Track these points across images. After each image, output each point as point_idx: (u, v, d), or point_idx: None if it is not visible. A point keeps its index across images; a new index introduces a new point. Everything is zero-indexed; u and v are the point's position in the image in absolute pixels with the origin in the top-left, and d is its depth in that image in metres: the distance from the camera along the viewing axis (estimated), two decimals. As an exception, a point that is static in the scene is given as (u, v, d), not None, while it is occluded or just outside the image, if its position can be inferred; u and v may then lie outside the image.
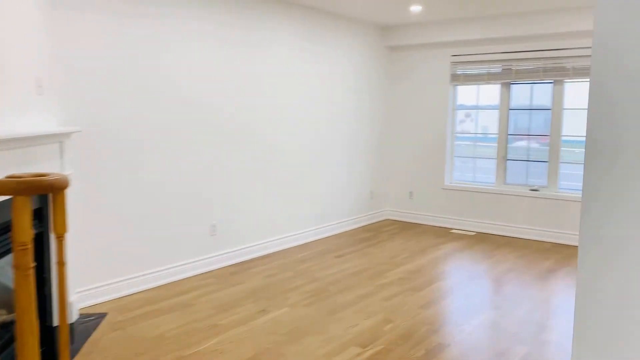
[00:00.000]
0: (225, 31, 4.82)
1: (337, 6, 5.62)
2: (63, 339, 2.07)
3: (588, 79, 5.75)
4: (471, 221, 6.61)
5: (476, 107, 6.64)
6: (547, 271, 4.94)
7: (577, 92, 5.93)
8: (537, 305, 4.07)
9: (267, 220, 5.46)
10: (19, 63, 3.02)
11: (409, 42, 6.71)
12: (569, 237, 5.92)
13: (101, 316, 3.79)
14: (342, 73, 6.28)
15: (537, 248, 5.78)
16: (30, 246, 1.69)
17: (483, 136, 6.65)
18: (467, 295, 4.26)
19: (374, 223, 7.01)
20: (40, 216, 3.32)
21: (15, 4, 2.97)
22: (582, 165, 5.67)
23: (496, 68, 6.32)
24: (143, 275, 4.33)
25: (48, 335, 3.35)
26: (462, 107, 6.76)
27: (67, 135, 3.57)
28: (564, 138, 6.01)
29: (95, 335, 3.47)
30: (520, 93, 6.30)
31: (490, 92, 6.51)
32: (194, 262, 4.73)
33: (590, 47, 5.65)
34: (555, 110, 6.02)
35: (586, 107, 5.77)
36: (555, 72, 5.91)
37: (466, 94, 6.72)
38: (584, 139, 5.88)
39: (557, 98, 6.00)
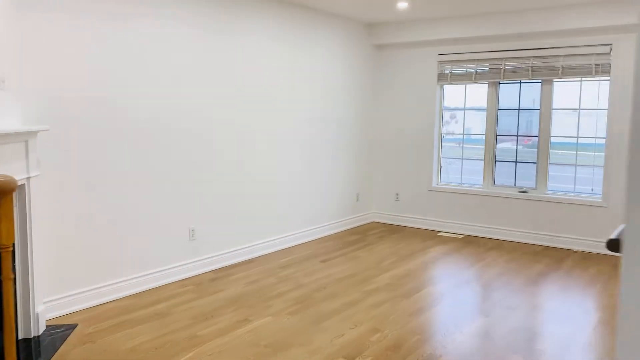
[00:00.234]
0: (200, 29, 4.61)
1: (320, 1, 5.43)
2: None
3: (578, 79, 5.67)
4: (459, 224, 6.47)
5: (463, 109, 6.50)
6: (538, 275, 4.80)
7: (565, 92, 5.81)
8: (529, 311, 3.92)
9: (249, 223, 5.24)
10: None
11: (396, 40, 6.55)
12: (559, 239, 5.80)
13: (71, 327, 3.54)
14: (325, 72, 6.10)
15: (527, 251, 5.65)
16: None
17: (469, 137, 6.52)
18: (457, 302, 4.10)
19: (360, 226, 6.83)
20: None
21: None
22: (571, 166, 5.54)
23: (484, 67, 6.18)
24: (116, 283, 4.09)
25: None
26: (449, 108, 6.62)
27: (33, 134, 3.33)
28: (552, 139, 5.90)
29: (63, 348, 3.23)
30: (507, 93, 6.17)
31: (477, 93, 6.37)
32: (171, 268, 4.50)
33: (581, 46, 5.54)
34: (544, 110, 5.90)
35: (576, 107, 5.71)
36: (545, 71, 5.80)
37: (452, 95, 6.58)
38: (572, 140, 5.77)
39: (546, 98, 5.88)
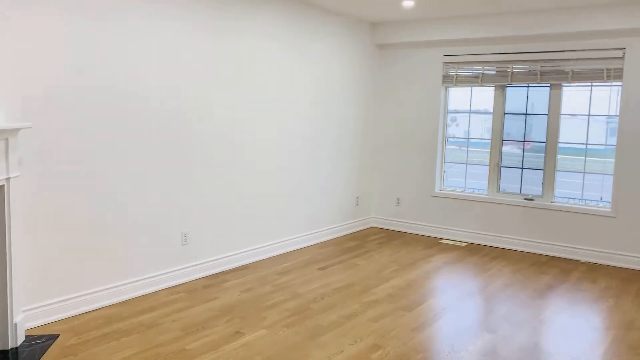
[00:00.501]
0: (196, 26, 4.39)
1: (325, -1, 5.22)
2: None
3: (589, 84, 5.46)
4: (462, 231, 6.26)
5: (468, 112, 6.29)
6: (546, 287, 4.59)
7: (574, 97, 5.61)
8: (538, 327, 3.71)
9: (245, 227, 5.03)
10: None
11: (400, 40, 6.34)
12: (566, 249, 5.59)
13: (52, 338, 3.32)
14: (327, 71, 5.88)
15: (533, 261, 5.44)
16: None
17: (472, 141, 6.31)
18: (462, 316, 3.89)
19: (359, 231, 6.62)
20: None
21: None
22: (580, 173, 5.32)
23: (491, 70, 5.98)
24: (102, 290, 3.87)
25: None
26: (455, 111, 6.41)
27: (14, 131, 3.11)
28: (560, 145, 5.70)
29: (42, 362, 3.02)
30: (513, 97, 5.97)
31: (481, 96, 6.16)
32: (161, 274, 4.28)
33: (592, 50, 5.34)
34: (552, 115, 5.70)
35: (585, 113, 5.50)
36: (554, 75, 5.59)
37: (455, 97, 6.37)
38: (581, 146, 5.57)
39: (555, 103, 5.68)
